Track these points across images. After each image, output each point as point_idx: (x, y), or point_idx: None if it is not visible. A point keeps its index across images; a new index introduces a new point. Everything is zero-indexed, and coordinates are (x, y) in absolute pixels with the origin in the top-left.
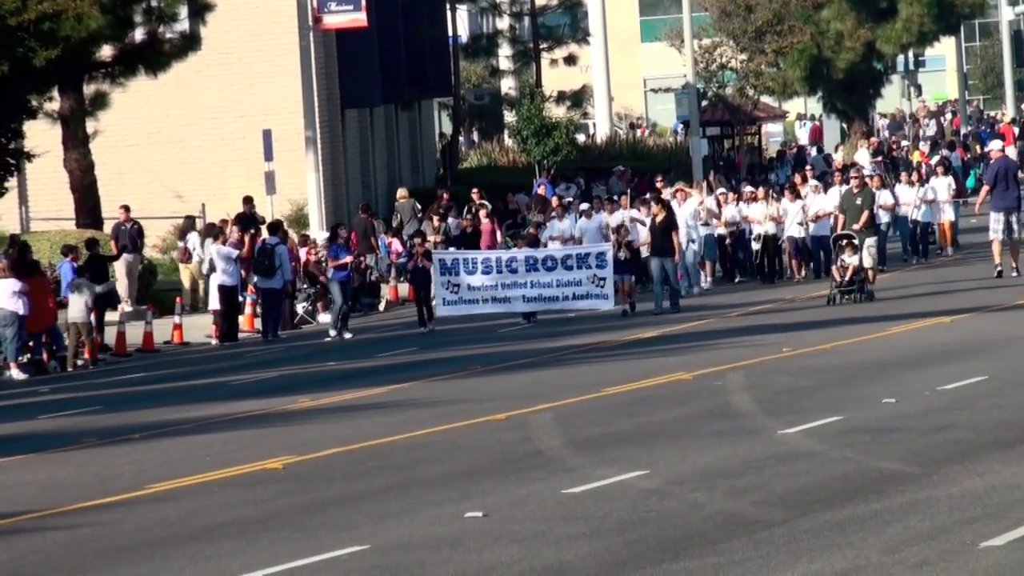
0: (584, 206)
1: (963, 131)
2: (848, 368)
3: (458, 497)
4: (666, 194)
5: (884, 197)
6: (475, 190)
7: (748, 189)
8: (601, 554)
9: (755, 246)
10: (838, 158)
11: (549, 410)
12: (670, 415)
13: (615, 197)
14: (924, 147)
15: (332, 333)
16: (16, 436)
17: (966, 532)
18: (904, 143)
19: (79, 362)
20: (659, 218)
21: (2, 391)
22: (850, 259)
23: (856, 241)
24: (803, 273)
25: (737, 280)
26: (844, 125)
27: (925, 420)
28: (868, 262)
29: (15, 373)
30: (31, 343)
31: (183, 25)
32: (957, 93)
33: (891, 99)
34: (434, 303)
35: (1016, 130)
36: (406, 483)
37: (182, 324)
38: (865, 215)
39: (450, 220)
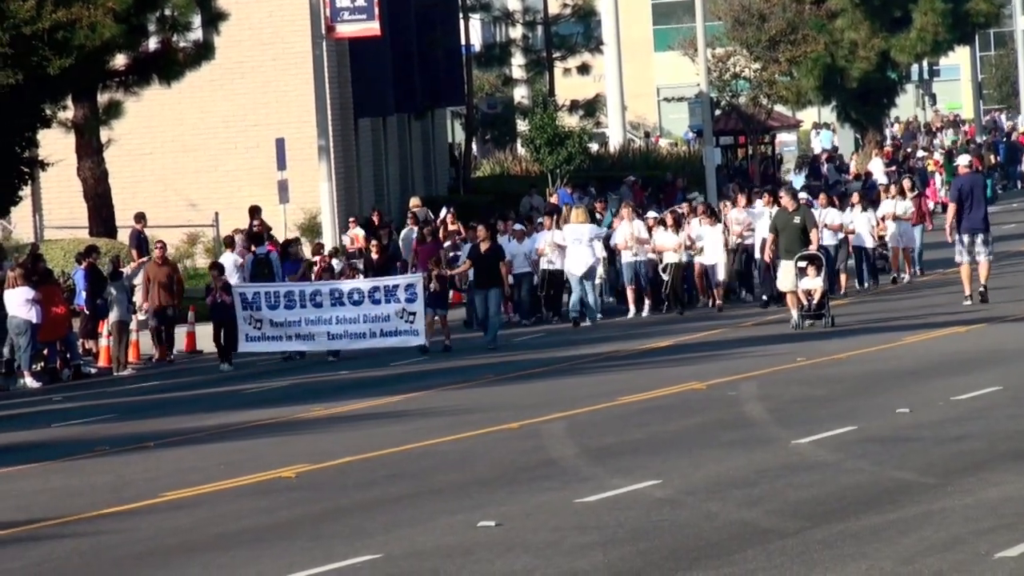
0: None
1: (978, 140)
2: (862, 378)
3: (471, 506)
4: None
5: (832, 216)
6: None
7: (652, 215)
8: (615, 563)
9: (664, 276)
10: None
11: (562, 419)
12: (683, 424)
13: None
14: (938, 156)
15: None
16: (31, 444)
17: (981, 543)
18: (920, 152)
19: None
20: (484, 246)
21: (16, 399)
22: (812, 282)
23: (817, 263)
24: (718, 301)
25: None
26: (858, 135)
27: (939, 430)
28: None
29: (29, 381)
30: (45, 351)
31: (196, 34)
32: (972, 103)
33: (905, 109)
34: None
35: None
36: (419, 492)
37: (195, 332)
38: (815, 235)
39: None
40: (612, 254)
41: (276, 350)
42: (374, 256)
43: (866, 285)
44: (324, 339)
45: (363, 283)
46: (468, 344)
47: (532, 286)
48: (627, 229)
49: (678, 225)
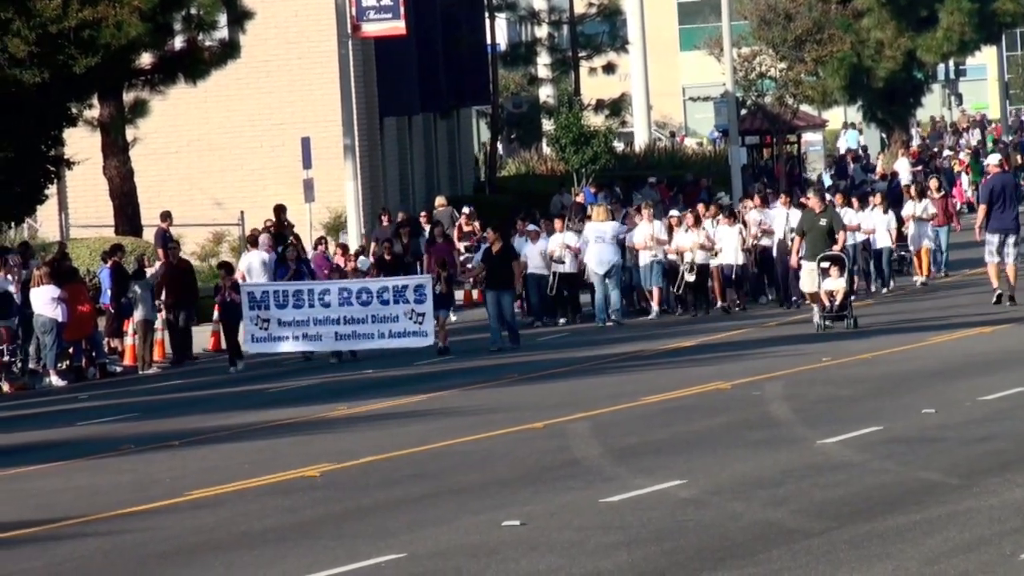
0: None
1: (1005, 140)
2: (888, 378)
3: (495, 505)
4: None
5: (848, 217)
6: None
7: (673, 213)
8: (639, 563)
9: (688, 276)
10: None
11: (586, 419)
12: (708, 424)
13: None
14: (964, 156)
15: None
16: (55, 443)
17: (1006, 543)
18: (946, 152)
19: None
20: (495, 248)
21: (41, 398)
22: (835, 283)
23: (840, 264)
24: (736, 303)
25: (679, 312)
26: (884, 135)
27: (965, 431)
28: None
29: (54, 380)
30: (71, 350)
31: (222, 33)
32: (998, 102)
33: (931, 109)
34: (241, 340)
35: None
36: (443, 491)
37: (220, 331)
38: (842, 237)
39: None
40: (625, 254)
41: (282, 351)
42: (386, 257)
43: (881, 288)
44: (332, 339)
45: (372, 283)
46: (486, 345)
47: (546, 287)
48: (647, 229)
49: (698, 223)
